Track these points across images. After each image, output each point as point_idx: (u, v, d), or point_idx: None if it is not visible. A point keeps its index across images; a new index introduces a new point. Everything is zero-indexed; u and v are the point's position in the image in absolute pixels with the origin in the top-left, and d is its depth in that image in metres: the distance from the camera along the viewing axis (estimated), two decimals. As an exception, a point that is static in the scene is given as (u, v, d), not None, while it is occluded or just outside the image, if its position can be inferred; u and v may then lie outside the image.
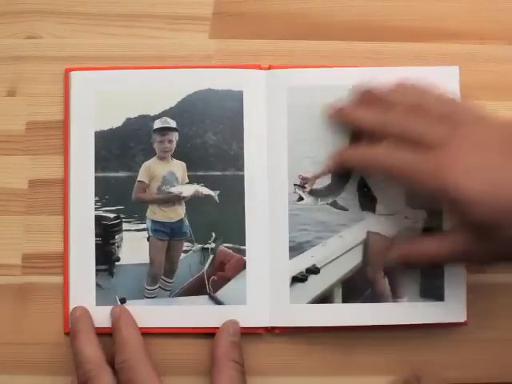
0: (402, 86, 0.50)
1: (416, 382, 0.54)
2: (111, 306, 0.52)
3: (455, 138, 0.46)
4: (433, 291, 0.53)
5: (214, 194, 0.53)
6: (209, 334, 0.52)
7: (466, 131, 0.46)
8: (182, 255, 0.54)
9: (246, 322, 0.52)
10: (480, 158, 0.45)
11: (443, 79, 0.54)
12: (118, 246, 0.53)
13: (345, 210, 0.54)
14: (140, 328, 0.51)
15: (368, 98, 0.51)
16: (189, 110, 0.54)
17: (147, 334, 0.52)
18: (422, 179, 0.46)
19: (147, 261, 0.53)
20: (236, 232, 0.53)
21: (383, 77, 0.52)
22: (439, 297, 0.53)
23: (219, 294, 0.53)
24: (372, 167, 0.49)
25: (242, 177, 0.53)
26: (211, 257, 0.54)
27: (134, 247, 0.53)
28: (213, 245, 0.53)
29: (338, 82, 0.54)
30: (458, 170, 0.44)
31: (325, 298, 0.53)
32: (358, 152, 0.50)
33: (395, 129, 0.48)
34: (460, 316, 0.53)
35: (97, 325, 0.52)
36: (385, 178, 0.51)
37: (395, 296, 0.53)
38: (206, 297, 0.53)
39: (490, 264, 0.51)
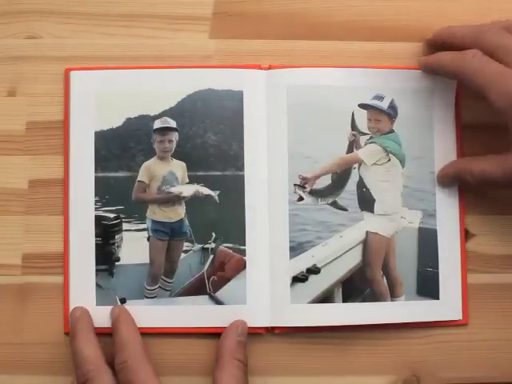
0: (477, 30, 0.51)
1: (416, 382, 0.54)
2: (111, 306, 0.52)
3: None
4: (430, 290, 0.53)
5: (214, 194, 0.53)
6: (209, 334, 0.52)
7: None
8: (182, 255, 0.54)
9: (246, 322, 0.52)
10: None
11: (440, 81, 0.54)
12: (117, 246, 0.53)
13: (345, 210, 0.54)
14: (140, 328, 0.51)
15: (449, 41, 0.52)
16: (189, 110, 0.54)
17: (147, 334, 0.52)
18: (503, 89, 0.47)
19: (147, 261, 0.53)
20: (236, 232, 0.53)
21: (383, 77, 0.53)
22: (436, 295, 0.53)
23: (219, 294, 0.53)
24: (458, 71, 0.50)
25: (242, 177, 0.53)
26: (211, 257, 0.54)
27: (134, 247, 0.53)
28: (213, 245, 0.53)
29: (338, 82, 0.54)
30: None
31: (325, 298, 0.53)
32: (449, 55, 0.51)
33: (487, 40, 0.49)
34: (456, 314, 0.53)
35: (97, 325, 0.52)
36: (466, 83, 0.50)
37: (393, 295, 0.53)
38: (207, 297, 0.53)
39: None
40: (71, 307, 0.52)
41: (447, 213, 0.54)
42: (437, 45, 0.54)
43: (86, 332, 0.50)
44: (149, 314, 0.53)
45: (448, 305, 0.54)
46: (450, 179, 0.53)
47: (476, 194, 0.55)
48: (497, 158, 0.50)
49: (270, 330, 0.53)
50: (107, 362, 0.49)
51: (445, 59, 0.51)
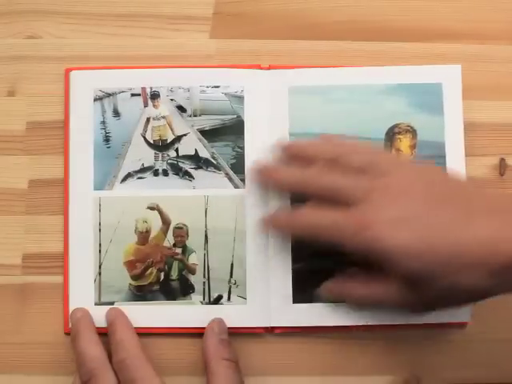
0: (324, 139, 0.50)
1: (416, 382, 0.54)
2: (110, 306, 0.52)
3: (377, 190, 0.44)
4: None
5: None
6: (209, 334, 0.53)
7: (387, 182, 0.45)
8: (182, 255, 0.54)
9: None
10: (404, 208, 0.43)
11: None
12: (118, 246, 0.53)
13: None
14: (138, 328, 0.51)
15: (290, 154, 0.50)
16: (189, 110, 0.55)
17: (146, 334, 0.52)
18: (345, 237, 0.44)
19: (147, 261, 0.54)
20: (236, 232, 0.53)
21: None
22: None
23: (219, 294, 0.53)
24: (298, 231, 0.48)
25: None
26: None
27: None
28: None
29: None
30: (382, 222, 0.43)
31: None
32: (283, 219, 0.49)
33: (315, 184, 0.46)
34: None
35: (97, 324, 0.52)
36: (312, 239, 0.47)
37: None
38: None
39: (426, 311, 0.48)
40: (71, 307, 0.52)
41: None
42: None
43: (89, 331, 0.50)
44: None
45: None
46: (331, 297, 0.51)
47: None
48: (381, 284, 0.46)
49: (270, 330, 0.53)
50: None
51: (281, 220, 0.50)
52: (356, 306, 0.51)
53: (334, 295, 0.51)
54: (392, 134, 0.54)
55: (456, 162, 0.53)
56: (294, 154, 0.50)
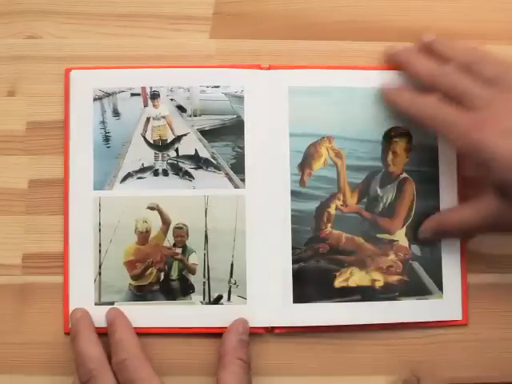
0: (464, 44, 0.52)
1: (416, 382, 0.54)
2: (110, 306, 0.52)
3: (499, 101, 0.47)
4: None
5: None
6: (209, 333, 0.52)
7: (510, 97, 0.47)
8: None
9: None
10: None
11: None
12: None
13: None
14: (138, 328, 0.52)
15: (429, 48, 0.52)
16: (189, 110, 0.55)
17: (146, 334, 0.52)
18: (457, 133, 0.47)
19: (147, 261, 0.54)
20: (236, 232, 0.53)
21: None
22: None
23: (219, 294, 0.53)
24: (416, 115, 0.50)
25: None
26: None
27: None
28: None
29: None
30: (493, 129, 0.46)
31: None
32: (407, 98, 0.51)
33: (444, 82, 0.49)
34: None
35: (97, 325, 0.52)
36: (425, 127, 0.50)
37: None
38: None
39: None
40: (71, 307, 0.52)
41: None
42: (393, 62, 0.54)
43: (88, 332, 0.50)
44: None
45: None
46: (432, 235, 0.53)
47: (476, 193, 0.55)
48: (470, 205, 0.50)
49: (270, 330, 0.53)
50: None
51: (403, 100, 0.51)
52: (458, 235, 0.53)
53: (435, 229, 0.52)
54: (389, 137, 0.54)
55: (448, 165, 0.54)
56: (432, 49, 0.52)
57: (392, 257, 0.54)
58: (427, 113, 0.49)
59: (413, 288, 0.53)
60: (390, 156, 0.54)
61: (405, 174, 0.54)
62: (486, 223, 0.49)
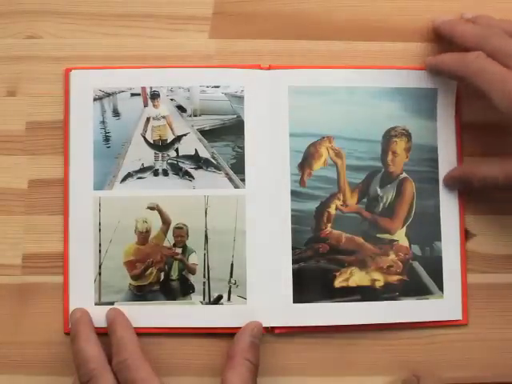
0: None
1: (416, 382, 0.54)
2: (110, 306, 0.52)
3: None
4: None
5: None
6: (209, 334, 0.52)
7: None
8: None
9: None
10: None
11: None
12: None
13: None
14: (138, 328, 0.52)
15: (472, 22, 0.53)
16: (189, 110, 0.54)
17: (146, 334, 0.52)
18: (505, 91, 0.48)
19: (147, 261, 0.54)
20: (236, 232, 0.53)
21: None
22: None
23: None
24: (464, 71, 0.50)
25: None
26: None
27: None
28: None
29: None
30: None
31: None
32: (452, 56, 0.51)
33: (491, 43, 0.50)
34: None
35: (97, 325, 0.52)
36: (469, 85, 0.50)
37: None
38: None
39: None
40: (71, 307, 0.52)
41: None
42: (439, 35, 0.55)
43: (88, 332, 0.50)
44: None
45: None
46: (455, 182, 0.54)
47: (476, 194, 0.55)
48: (499, 161, 0.51)
49: (270, 331, 0.53)
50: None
51: (448, 60, 0.52)
52: (483, 187, 0.52)
53: (455, 179, 0.54)
54: (389, 137, 0.54)
55: (448, 166, 0.54)
56: (475, 22, 0.53)
57: (392, 257, 0.54)
58: (476, 68, 0.49)
59: (413, 288, 0.54)
60: (390, 156, 0.54)
61: (405, 174, 0.54)
62: (510, 184, 0.50)
